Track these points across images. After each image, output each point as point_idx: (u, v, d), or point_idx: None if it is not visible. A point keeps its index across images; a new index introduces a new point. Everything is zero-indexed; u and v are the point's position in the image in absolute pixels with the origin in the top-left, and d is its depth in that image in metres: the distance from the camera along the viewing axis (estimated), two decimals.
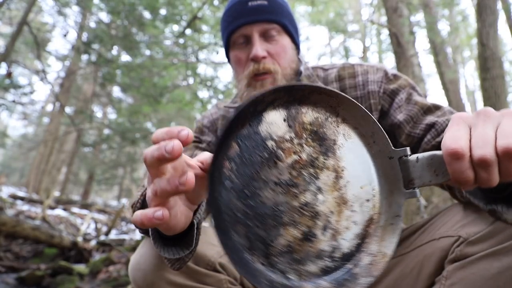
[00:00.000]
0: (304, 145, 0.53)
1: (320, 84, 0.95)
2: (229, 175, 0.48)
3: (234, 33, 0.99)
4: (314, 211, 0.52)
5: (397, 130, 0.92)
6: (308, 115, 0.54)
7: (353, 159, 0.55)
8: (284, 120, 0.53)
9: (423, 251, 0.82)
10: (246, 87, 0.97)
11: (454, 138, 0.46)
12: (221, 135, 0.46)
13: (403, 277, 0.85)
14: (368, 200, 0.55)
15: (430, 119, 0.87)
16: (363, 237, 0.54)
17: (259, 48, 0.94)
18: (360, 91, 0.99)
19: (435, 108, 0.90)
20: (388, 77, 0.98)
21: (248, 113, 0.49)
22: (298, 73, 1.04)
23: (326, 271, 0.51)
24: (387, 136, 0.54)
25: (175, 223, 0.51)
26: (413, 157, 0.53)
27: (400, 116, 0.91)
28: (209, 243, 0.81)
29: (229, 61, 1.07)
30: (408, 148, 0.54)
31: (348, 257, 0.52)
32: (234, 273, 0.81)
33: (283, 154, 0.52)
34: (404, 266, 0.85)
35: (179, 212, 0.51)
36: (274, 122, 0.52)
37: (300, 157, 0.52)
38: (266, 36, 0.98)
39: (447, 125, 0.74)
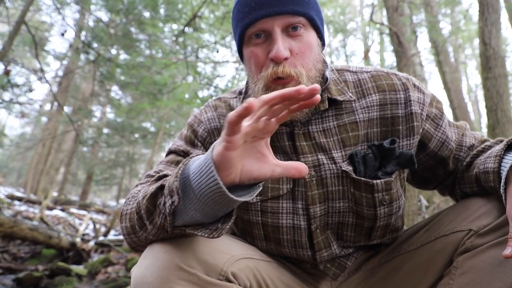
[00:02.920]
0: None
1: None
2: None
3: (251, 27, 0.83)
4: None
5: (444, 153, 0.95)
6: None
7: None
8: None
9: (432, 247, 0.83)
10: (264, 90, 0.83)
11: None
12: None
13: (411, 273, 0.86)
14: None
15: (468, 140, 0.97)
16: None
17: (281, 47, 0.79)
18: (401, 109, 0.90)
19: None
20: (430, 99, 0.94)
21: None
22: (324, 77, 0.91)
23: None
24: None
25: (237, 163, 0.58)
26: None
27: (452, 143, 0.94)
28: (219, 250, 0.75)
29: (241, 57, 0.93)
30: None
31: None
32: (245, 282, 0.75)
33: None
34: (412, 263, 0.87)
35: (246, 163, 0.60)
36: None
37: None
38: (289, 31, 0.83)
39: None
